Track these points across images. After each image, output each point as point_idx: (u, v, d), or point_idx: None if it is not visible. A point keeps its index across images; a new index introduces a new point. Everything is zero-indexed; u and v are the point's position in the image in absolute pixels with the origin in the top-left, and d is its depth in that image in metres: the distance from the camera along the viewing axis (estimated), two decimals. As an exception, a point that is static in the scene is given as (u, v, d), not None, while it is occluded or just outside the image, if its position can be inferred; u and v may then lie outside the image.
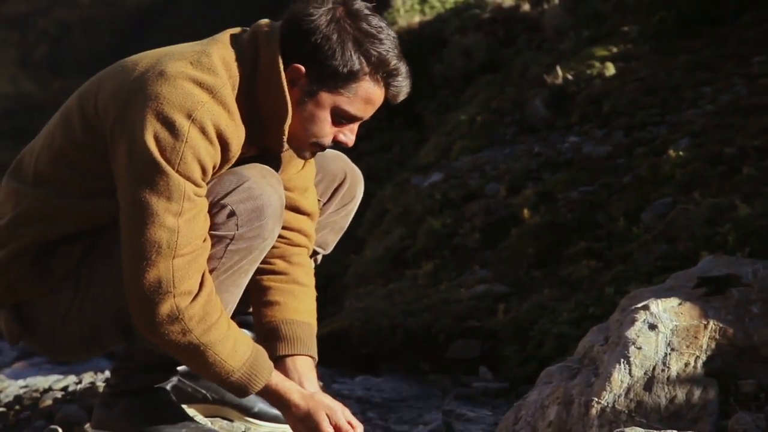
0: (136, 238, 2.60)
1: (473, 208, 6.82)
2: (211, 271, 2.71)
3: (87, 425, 3.22)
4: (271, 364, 2.80)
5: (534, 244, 5.87)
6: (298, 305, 2.98)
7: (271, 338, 2.94)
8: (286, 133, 2.73)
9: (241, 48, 2.72)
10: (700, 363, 2.85)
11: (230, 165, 2.74)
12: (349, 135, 2.78)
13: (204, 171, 2.63)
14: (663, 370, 2.83)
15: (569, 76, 8.04)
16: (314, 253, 3.15)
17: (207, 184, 2.68)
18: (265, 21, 2.79)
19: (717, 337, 2.90)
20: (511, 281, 5.65)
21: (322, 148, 2.80)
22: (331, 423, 2.79)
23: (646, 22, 8.44)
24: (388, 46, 2.70)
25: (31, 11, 32.67)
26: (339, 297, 7.20)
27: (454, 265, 6.33)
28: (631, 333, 2.91)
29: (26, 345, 3.00)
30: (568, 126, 7.52)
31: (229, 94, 2.65)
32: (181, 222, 2.60)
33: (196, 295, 2.65)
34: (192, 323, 2.63)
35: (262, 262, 2.92)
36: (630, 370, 2.84)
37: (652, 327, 2.91)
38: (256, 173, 2.76)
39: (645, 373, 2.83)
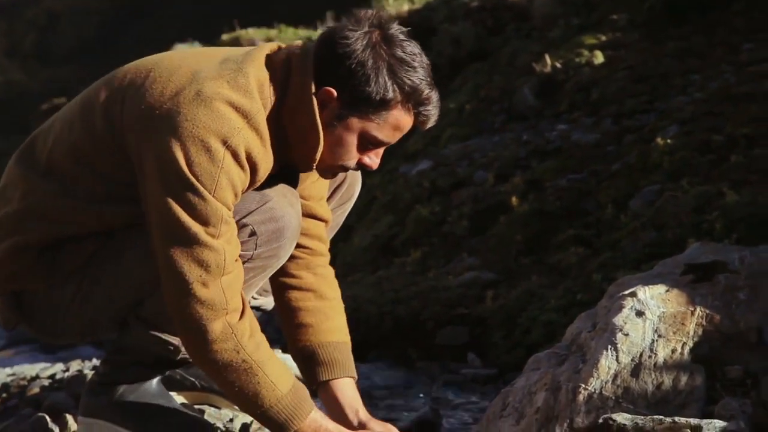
0: (179, 260, 2.58)
1: (462, 195, 6.82)
2: None
3: (74, 414, 3.21)
4: (311, 401, 2.78)
5: (522, 231, 5.88)
6: (331, 325, 3.00)
7: (310, 364, 2.96)
8: (317, 159, 2.73)
9: (275, 70, 2.70)
10: (687, 349, 2.85)
11: (255, 186, 2.73)
12: (374, 158, 2.77)
13: (236, 195, 2.64)
14: (650, 357, 2.83)
15: (558, 65, 8.04)
16: None
17: None
18: (299, 42, 2.78)
19: (704, 323, 2.90)
20: (500, 268, 5.66)
21: (347, 170, 2.81)
22: None
23: (636, 10, 8.45)
24: (421, 74, 2.68)
25: (20, 0, 32.61)
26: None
27: (442, 252, 6.33)
28: (618, 320, 2.91)
29: (22, 329, 2.99)
30: (557, 114, 7.52)
31: (263, 119, 2.64)
32: (222, 243, 2.60)
33: (242, 311, 2.67)
34: (244, 339, 2.64)
35: (289, 276, 2.96)
36: (617, 356, 2.84)
37: (640, 314, 2.91)
38: (278, 193, 2.77)
39: (632, 360, 2.83)
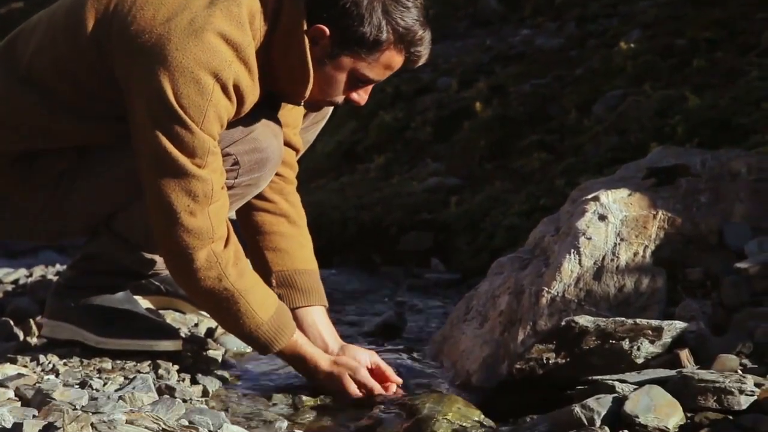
0: (167, 190, 2.57)
1: (425, 101, 6.80)
2: None
3: (39, 317, 3.21)
4: (294, 324, 2.82)
5: (486, 136, 5.88)
6: (306, 253, 3.04)
7: (286, 289, 2.98)
8: (307, 96, 2.72)
9: (267, 2, 2.65)
10: (648, 252, 2.88)
11: (240, 116, 2.72)
12: (362, 95, 2.77)
13: (222, 126, 2.63)
14: (612, 260, 2.86)
15: (522, -32, 7.97)
16: None
17: None
18: None
19: (665, 226, 2.93)
20: (463, 174, 5.67)
21: (333, 105, 2.82)
22: (356, 382, 2.82)
23: None
24: (415, 15, 2.66)
25: None
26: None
27: (406, 158, 6.33)
28: (581, 224, 2.93)
29: None
30: (521, 19, 7.49)
31: (252, 52, 2.61)
32: (209, 172, 2.59)
33: (227, 239, 2.67)
34: (228, 268, 2.65)
35: (262, 200, 2.97)
36: (580, 260, 2.86)
37: (602, 218, 2.93)
38: (263, 123, 2.77)
39: (594, 263, 2.86)
